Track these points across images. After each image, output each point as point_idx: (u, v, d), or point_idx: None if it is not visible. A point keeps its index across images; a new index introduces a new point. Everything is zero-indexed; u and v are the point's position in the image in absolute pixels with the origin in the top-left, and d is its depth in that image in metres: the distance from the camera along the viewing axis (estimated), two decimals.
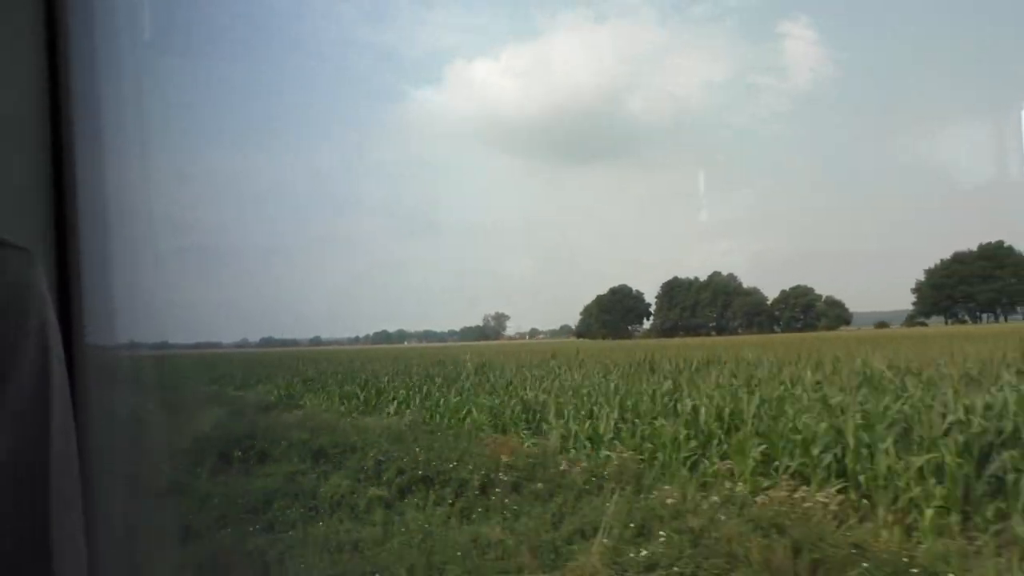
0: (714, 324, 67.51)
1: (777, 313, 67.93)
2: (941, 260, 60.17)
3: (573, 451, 11.52)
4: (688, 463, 10.11)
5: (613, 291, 70.65)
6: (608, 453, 10.77)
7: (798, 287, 66.70)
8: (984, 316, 61.00)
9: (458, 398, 17.10)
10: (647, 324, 71.60)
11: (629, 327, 70.66)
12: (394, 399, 18.28)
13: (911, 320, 59.69)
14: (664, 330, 67.55)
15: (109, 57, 1.71)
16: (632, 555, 6.88)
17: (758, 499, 8.22)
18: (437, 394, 18.23)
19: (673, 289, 70.74)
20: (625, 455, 10.40)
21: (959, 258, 60.87)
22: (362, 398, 19.10)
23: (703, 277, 69.51)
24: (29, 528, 0.94)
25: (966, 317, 61.04)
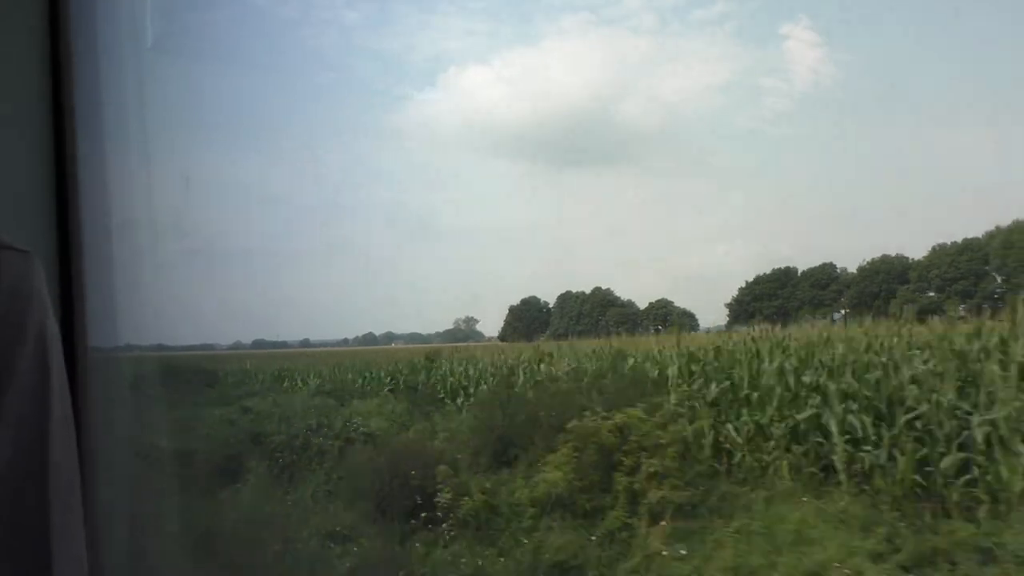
0: (592, 330, 68.48)
1: (641, 321, 70.04)
2: (746, 281, 62.95)
3: None
4: None
5: (523, 302, 70.97)
6: None
7: (660, 300, 69.02)
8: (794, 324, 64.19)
9: None
10: (548, 331, 72.26)
11: (536, 333, 71.33)
12: None
13: (729, 328, 63.09)
14: (557, 335, 68.37)
15: (112, 61, 1.39)
16: None
17: None
18: None
19: (565, 300, 71.86)
20: None
21: (758, 279, 64.31)
22: None
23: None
24: (29, 532, 0.75)
25: (777, 326, 64.31)
